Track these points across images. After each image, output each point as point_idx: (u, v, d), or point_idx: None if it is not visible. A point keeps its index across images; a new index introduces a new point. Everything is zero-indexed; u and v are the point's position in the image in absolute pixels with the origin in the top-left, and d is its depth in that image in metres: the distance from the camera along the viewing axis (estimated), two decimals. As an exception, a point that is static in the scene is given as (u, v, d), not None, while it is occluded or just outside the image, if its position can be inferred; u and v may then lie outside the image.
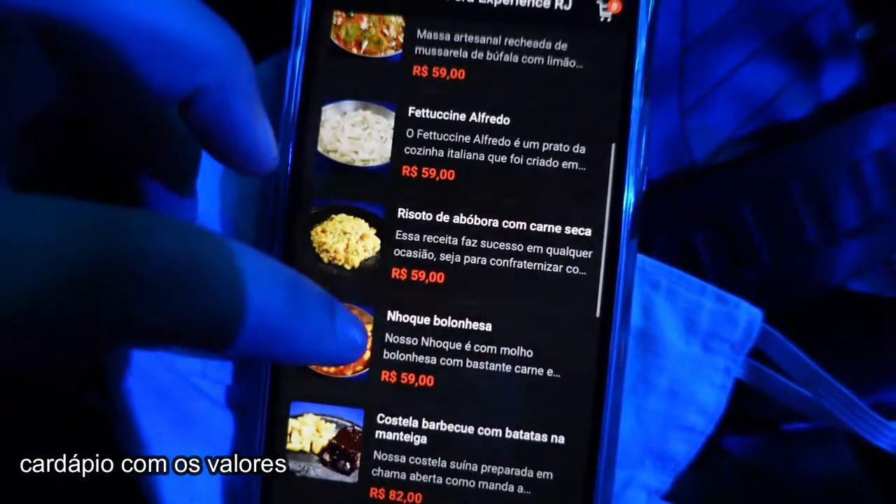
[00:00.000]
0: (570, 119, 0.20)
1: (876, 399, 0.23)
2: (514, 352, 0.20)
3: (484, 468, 0.20)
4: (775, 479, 0.25)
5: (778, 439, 0.25)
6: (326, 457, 0.20)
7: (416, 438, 0.20)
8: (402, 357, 0.20)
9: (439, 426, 0.20)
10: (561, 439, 0.20)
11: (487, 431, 0.20)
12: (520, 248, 0.20)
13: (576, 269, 0.20)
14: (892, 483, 0.24)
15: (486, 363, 0.20)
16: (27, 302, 0.11)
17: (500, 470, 0.20)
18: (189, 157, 0.19)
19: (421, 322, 0.20)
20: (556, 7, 0.20)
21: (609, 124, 0.20)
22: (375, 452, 0.20)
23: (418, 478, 0.20)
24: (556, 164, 0.20)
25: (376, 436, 0.20)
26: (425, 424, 0.20)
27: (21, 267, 0.11)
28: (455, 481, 0.20)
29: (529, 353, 0.20)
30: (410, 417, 0.20)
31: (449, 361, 0.20)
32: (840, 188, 0.24)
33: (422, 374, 0.20)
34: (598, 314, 0.20)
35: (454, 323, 0.20)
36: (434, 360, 0.20)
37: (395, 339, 0.20)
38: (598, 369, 0.20)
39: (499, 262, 0.20)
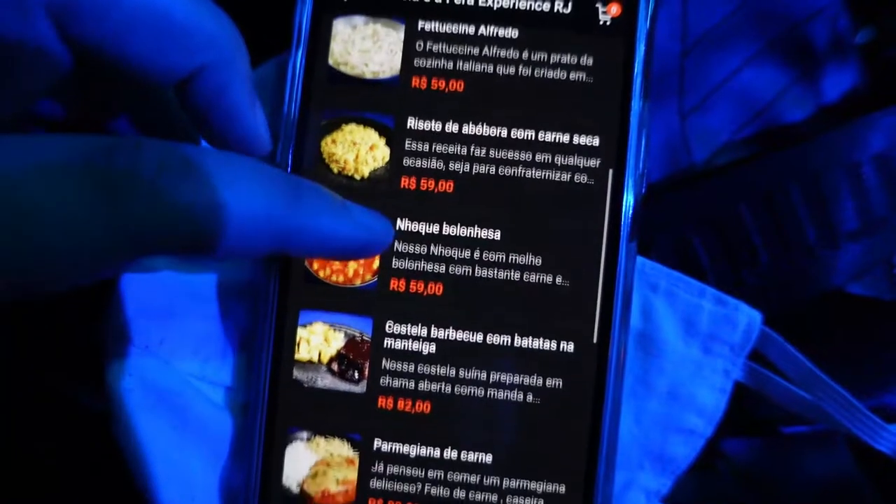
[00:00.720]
0: (570, 121, 0.20)
1: (875, 402, 0.23)
2: (522, 259, 0.20)
3: (493, 376, 0.20)
4: (775, 481, 0.25)
5: (777, 442, 0.25)
6: (335, 366, 0.20)
7: (425, 346, 0.20)
8: (410, 266, 0.20)
9: (448, 334, 0.20)
10: (570, 346, 0.20)
11: (496, 339, 0.20)
12: (528, 156, 0.20)
13: (577, 271, 0.20)
14: (890, 486, 0.24)
15: (495, 270, 0.20)
16: (34, 221, 0.12)
17: (509, 377, 0.20)
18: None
19: (430, 230, 0.20)
20: (555, 10, 0.20)
21: (609, 127, 0.20)
22: (384, 361, 0.20)
23: (427, 386, 0.20)
24: (555, 165, 0.20)
25: (385, 344, 0.20)
26: (434, 333, 0.20)
27: (28, 189, 0.12)
28: (464, 389, 0.20)
29: (538, 261, 0.20)
30: (419, 325, 0.20)
31: (458, 269, 0.20)
32: (839, 191, 0.24)
33: (430, 283, 0.20)
34: (597, 314, 0.20)
35: (463, 231, 0.20)
36: (443, 268, 0.20)
37: (405, 248, 0.20)
38: (598, 371, 0.20)
39: (507, 171, 0.20)
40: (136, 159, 0.13)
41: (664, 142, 0.25)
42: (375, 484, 0.20)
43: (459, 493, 0.20)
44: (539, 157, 0.20)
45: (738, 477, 0.25)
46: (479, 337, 0.20)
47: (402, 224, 0.20)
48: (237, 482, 0.21)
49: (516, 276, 0.20)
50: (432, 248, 0.20)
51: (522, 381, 0.20)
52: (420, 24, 0.20)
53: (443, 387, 0.20)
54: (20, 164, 0.12)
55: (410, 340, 0.20)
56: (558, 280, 0.20)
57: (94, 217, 0.13)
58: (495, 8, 0.20)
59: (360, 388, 0.20)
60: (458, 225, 0.20)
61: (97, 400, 0.21)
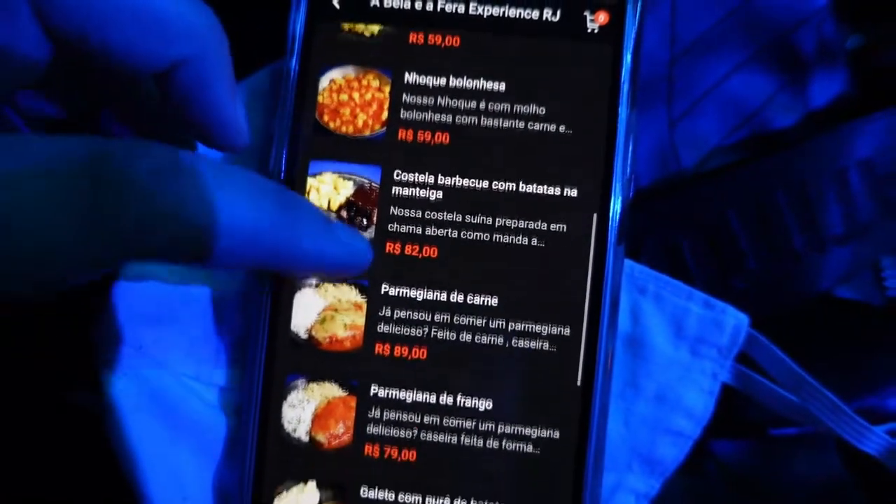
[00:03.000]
0: (559, 127, 0.20)
1: (861, 404, 0.24)
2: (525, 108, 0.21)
3: (498, 221, 0.20)
4: (763, 483, 0.25)
5: (765, 444, 0.25)
6: (343, 213, 0.21)
7: (432, 193, 0.20)
8: (418, 116, 0.21)
9: (455, 181, 0.20)
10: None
11: (502, 186, 0.20)
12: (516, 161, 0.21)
13: (565, 275, 0.20)
14: (876, 487, 0.24)
15: (499, 121, 0.20)
16: (27, 224, 0.12)
17: (515, 223, 0.20)
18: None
19: (437, 83, 0.21)
20: (544, 18, 0.21)
21: (597, 133, 0.20)
22: (392, 208, 0.21)
23: (434, 232, 0.20)
24: (543, 171, 0.20)
25: (393, 192, 0.21)
26: (441, 180, 0.20)
27: (20, 191, 0.12)
28: (470, 235, 0.20)
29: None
30: (427, 173, 0.20)
31: (464, 119, 0.20)
32: (826, 196, 0.24)
33: (438, 132, 0.20)
34: (585, 316, 0.20)
35: (469, 83, 0.21)
36: (449, 119, 0.20)
37: (413, 100, 0.21)
38: (586, 373, 0.20)
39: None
40: (128, 165, 0.13)
41: (653, 148, 0.25)
42: (383, 328, 0.20)
43: (465, 337, 0.20)
44: (528, 163, 0.21)
45: (727, 478, 0.25)
46: (484, 184, 0.21)
47: (410, 78, 0.21)
48: (231, 480, 0.21)
49: (520, 124, 0.20)
50: (440, 100, 0.21)
51: (527, 225, 0.20)
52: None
53: (449, 232, 0.20)
54: (7, 166, 0.12)
55: (418, 188, 0.21)
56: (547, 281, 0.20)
57: (83, 223, 0.13)
58: (485, 16, 0.21)
59: (369, 233, 0.21)
60: (465, 78, 0.21)
61: (91, 400, 0.21)
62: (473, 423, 0.20)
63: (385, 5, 0.21)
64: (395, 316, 0.20)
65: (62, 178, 0.13)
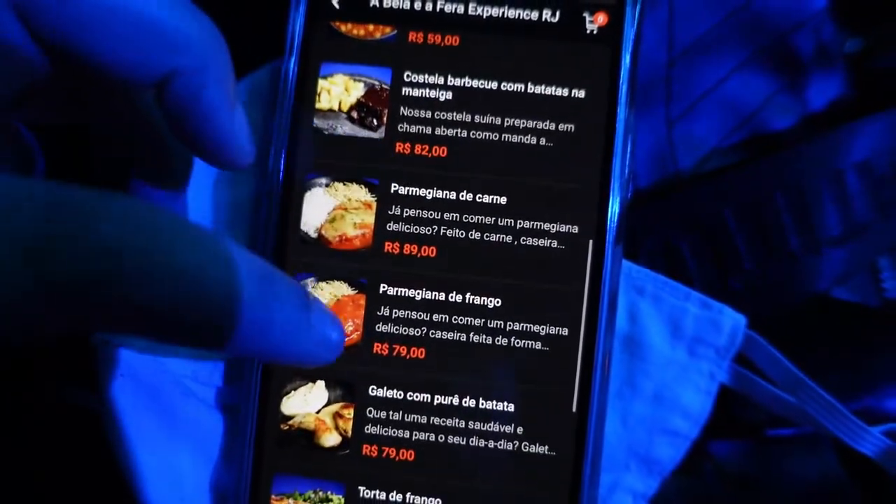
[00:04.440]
0: (557, 127, 0.21)
1: (858, 405, 0.24)
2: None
3: (507, 121, 0.21)
4: (760, 483, 0.25)
5: (762, 444, 0.25)
6: (354, 114, 0.21)
7: (442, 94, 0.21)
8: (415, 123, 0.21)
9: (464, 82, 0.21)
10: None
11: (510, 87, 0.21)
12: (516, 159, 0.21)
13: (563, 275, 0.20)
14: (873, 487, 0.24)
15: (497, 119, 0.21)
16: None
17: (522, 122, 0.21)
18: (178, 162, 0.19)
19: (436, 82, 0.21)
20: (543, 19, 0.21)
21: (595, 133, 0.20)
22: (402, 108, 0.21)
23: (443, 132, 0.21)
24: (543, 171, 0.21)
25: (403, 92, 0.21)
26: (451, 81, 0.21)
27: None
28: (478, 134, 0.21)
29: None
30: (436, 74, 0.21)
31: (463, 116, 0.21)
32: (823, 197, 0.24)
33: (435, 146, 0.21)
34: (583, 316, 0.20)
35: (468, 83, 0.21)
36: (447, 131, 0.21)
37: (410, 99, 0.21)
38: (584, 372, 0.20)
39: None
40: (92, 230, 0.11)
41: (652, 149, 0.25)
42: (392, 227, 0.21)
43: (474, 235, 0.21)
44: (527, 161, 0.21)
45: (724, 478, 0.25)
46: (493, 84, 0.21)
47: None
48: (228, 479, 0.21)
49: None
50: (438, 98, 0.21)
51: (534, 125, 0.21)
52: (406, 76, 0.21)
53: (458, 132, 0.21)
54: None
55: (428, 89, 0.21)
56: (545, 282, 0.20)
57: (18, 281, 0.11)
58: (484, 17, 0.21)
59: (379, 133, 0.21)
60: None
61: (89, 399, 0.21)
62: (481, 321, 0.20)
63: (384, 5, 0.21)
64: (404, 214, 0.21)
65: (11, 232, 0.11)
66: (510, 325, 0.20)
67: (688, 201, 0.24)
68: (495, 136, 0.21)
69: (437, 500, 0.20)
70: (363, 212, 0.21)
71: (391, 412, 0.20)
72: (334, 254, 0.20)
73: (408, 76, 0.21)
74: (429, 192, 0.20)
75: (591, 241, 0.20)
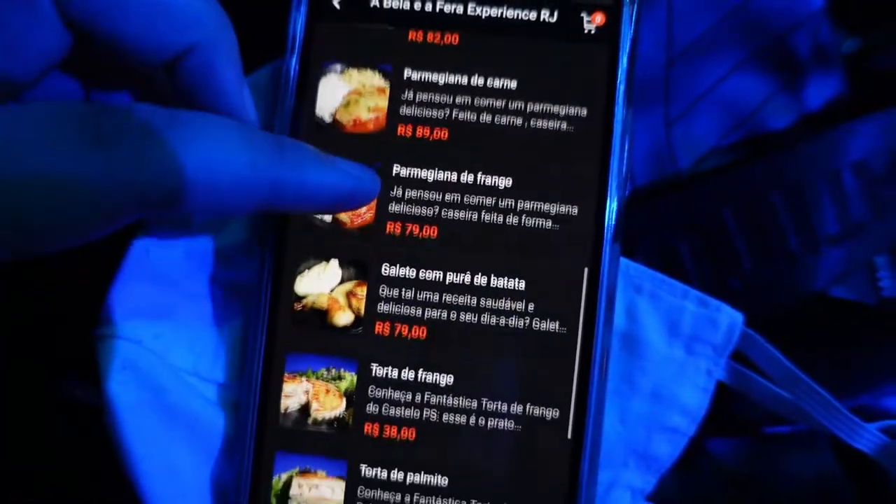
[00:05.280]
0: (555, 126, 0.21)
1: (855, 403, 0.24)
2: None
3: (504, 121, 0.21)
4: (757, 480, 0.25)
5: (759, 441, 0.25)
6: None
7: (441, 91, 0.21)
8: (418, 112, 0.21)
9: (462, 80, 0.21)
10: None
11: (508, 86, 0.21)
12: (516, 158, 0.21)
13: (560, 273, 0.21)
14: (869, 484, 0.24)
15: (496, 118, 0.21)
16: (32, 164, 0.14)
17: (519, 122, 0.21)
18: None
19: (435, 80, 0.21)
20: (541, 19, 0.21)
21: (593, 133, 0.21)
22: (402, 108, 0.21)
23: (442, 115, 0.21)
24: (541, 171, 0.21)
25: (403, 91, 0.21)
26: (449, 80, 0.21)
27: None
28: (468, 215, 0.21)
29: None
30: (435, 72, 0.21)
31: (460, 115, 0.21)
32: (820, 197, 0.24)
33: (437, 129, 0.21)
34: (581, 313, 0.20)
35: (466, 81, 0.21)
36: (446, 115, 0.21)
37: (412, 97, 0.21)
38: (581, 370, 0.20)
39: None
40: (124, 118, 0.15)
41: (650, 148, 0.25)
42: (405, 111, 0.21)
43: (486, 118, 0.21)
44: (526, 160, 0.21)
45: (722, 476, 0.25)
46: (491, 84, 0.21)
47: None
48: (229, 476, 0.21)
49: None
50: (437, 97, 0.21)
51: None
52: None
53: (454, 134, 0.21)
54: (19, 126, 0.14)
55: (426, 87, 0.21)
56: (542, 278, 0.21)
57: (85, 170, 0.14)
58: (483, 17, 0.21)
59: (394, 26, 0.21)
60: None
61: (89, 394, 0.22)
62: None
63: (384, 5, 0.21)
64: (416, 99, 0.21)
65: (66, 134, 0.14)
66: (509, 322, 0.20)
67: (686, 201, 0.25)
68: (491, 137, 0.21)
69: (450, 376, 0.21)
70: (377, 96, 0.21)
71: (404, 290, 0.21)
72: (348, 138, 0.21)
73: (407, 74, 0.21)
74: (441, 78, 0.21)
75: (589, 238, 0.20)
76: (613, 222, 0.21)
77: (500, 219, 0.21)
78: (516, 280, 0.21)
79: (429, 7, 0.21)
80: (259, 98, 0.22)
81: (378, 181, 0.20)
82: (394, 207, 0.21)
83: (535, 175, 0.21)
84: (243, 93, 0.18)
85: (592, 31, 0.21)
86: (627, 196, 0.21)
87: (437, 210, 0.21)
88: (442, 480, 0.21)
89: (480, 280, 0.21)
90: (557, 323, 0.20)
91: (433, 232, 0.21)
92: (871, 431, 0.22)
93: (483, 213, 0.21)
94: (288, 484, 0.21)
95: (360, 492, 0.21)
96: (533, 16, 0.21)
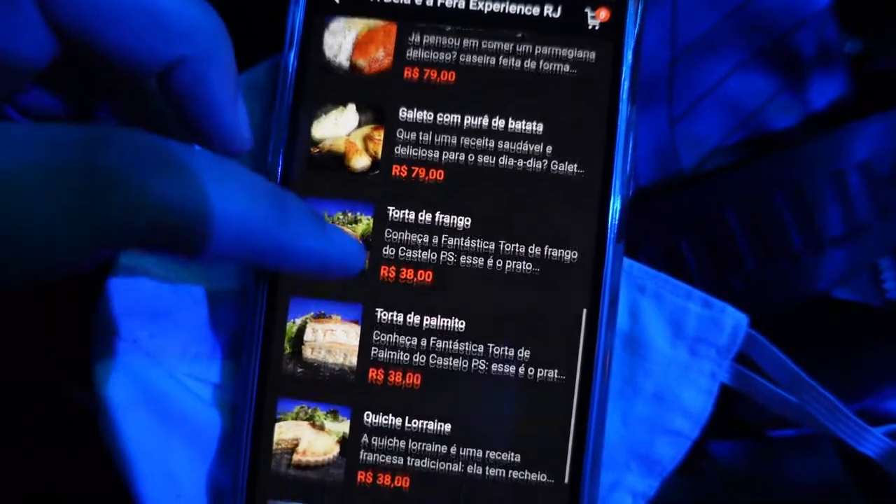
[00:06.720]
0: (559, 124, 0.20)
1: (860, 406, 0.24)
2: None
3: (506, 118, 0.21)
4: (761, 484, 0.25)
5: (763, 445, 0.25)
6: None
7: (439, 90, 0.21)
8: (415, 140, 0.21)
9: (464, 75, 0.21)
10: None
11: (510, 82, 0.21)
12: (515, 158, 0.21)
13: (563, 272, 0.20)
14: (874, 488, 0.24)
15: (496, 117, 0.21)
16: (18, 212, 0.12)
17: (521, 118, 0.21)
18: None
19: (435, 79, 0.21)
20: (545, 15, 0.21)
21: (596, 130, 0.20)
22: (402, 107, 0.21)
23: (441, 144, 0.21)
24: (543, 167, 0.20)
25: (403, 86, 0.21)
26: (450, 76, 0.21)
27: (12, 179, 0.12)
28: (475, 141, 0.21)
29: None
30: (435, 69, 0.21)
31: (458, 117, 0.21)
32: (824, 197, 0.24)
33: (432, 167, 0.21)
34: (584, 316, 0.20)
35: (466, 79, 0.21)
36: (443, 148, 0.21)
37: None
38: (584, 370, 0.20)
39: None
40: (123, 155, 0.13)
41: (653, 147, 0.25)
42: (412, 54, 0.21)
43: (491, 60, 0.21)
44: (527, 159, 0.20)
45: (725, 479, 0.25)
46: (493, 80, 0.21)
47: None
48: (225, 476, 0.21)
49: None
50: (437, 97, 0.21)
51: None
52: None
53: (455, 138, 0.21)
54: (5, 157, 0.13)
55: (425, 88, 0.21)
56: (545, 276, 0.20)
57: (75, 213, 0.13)
58: (486, 12, 0.21)
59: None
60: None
61: (85, 395, 0.21)
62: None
63: (384, 0, 0.21)
64: (424, 42, 0.21)
65: (56, 169, 0.13)
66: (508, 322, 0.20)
67: (689, 200, 0.24)
68: (491, 139, 0.21)
69: (468, 219, 0.20)
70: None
71: (421, 133, 0.21)
72: (360, 79, 0.21)
73: (408, 74, 0.21)
74: (445, 36, 0.21)
75: (592, 239, 0.20)
76: (617, 222, 0.20)
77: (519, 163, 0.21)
78: (534, 124, 0.20)
79: (429, 2, 0.21)
80: (256, 94, 0.22)
81: (364, 255, 0.20)
82: (412, 53, 0.21)
83: (537, 178, 0.20)
84: (237, 106, 0.18)
85: (597, 27, 0.21)
86: (631, 196, 0.21)
87: (454, 56, 0.21)
88: (459, 324, 0.20)
89: (498, 123, 0.20)
90: (560, 322, 0.20)
91: (451, 77, 0.21)
92: (877, 436, 0.22)
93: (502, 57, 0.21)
94: (302, 328, 0.20)
95: (376, 336, 0.20)
96: (536, 11, 0.21)
